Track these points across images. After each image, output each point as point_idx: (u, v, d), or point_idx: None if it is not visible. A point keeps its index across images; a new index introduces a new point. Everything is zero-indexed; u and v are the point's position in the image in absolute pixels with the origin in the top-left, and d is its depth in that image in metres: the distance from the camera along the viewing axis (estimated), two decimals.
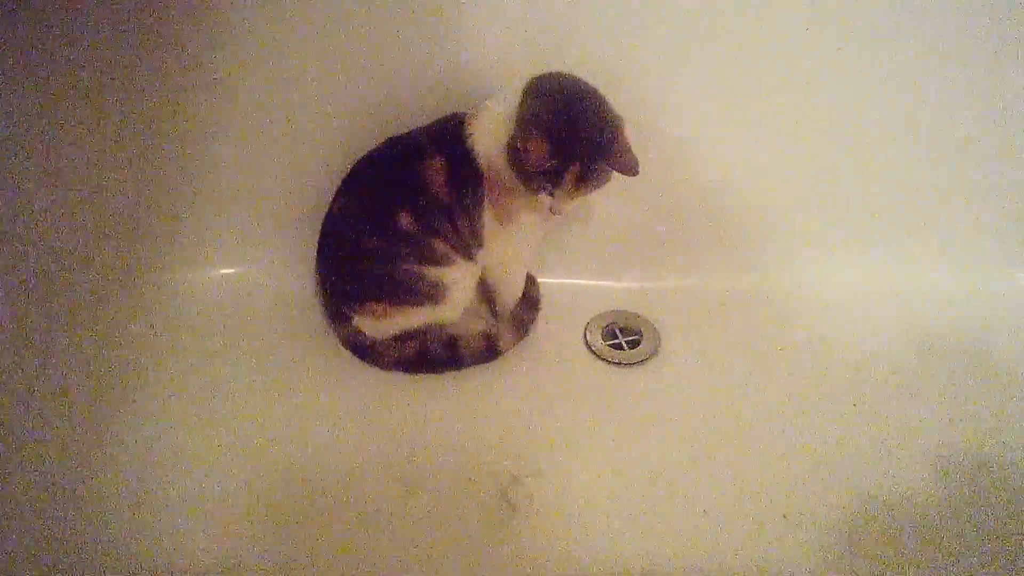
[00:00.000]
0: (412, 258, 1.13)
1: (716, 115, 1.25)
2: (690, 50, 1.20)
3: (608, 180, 1.08)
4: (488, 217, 1.14)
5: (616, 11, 1.16)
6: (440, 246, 1.14)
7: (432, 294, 1.16)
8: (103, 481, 1.04)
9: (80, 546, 0.97)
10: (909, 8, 1.18)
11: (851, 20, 1.18)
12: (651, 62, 1.20)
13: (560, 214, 1.10)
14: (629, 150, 1.04)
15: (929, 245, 1.36)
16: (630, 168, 1.04)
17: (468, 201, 1.12)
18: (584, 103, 1.05)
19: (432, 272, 1.14)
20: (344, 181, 1.17)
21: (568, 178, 1.04)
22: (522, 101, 1.05)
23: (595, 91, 1.06)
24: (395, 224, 1.12)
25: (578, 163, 1.03)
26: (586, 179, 1.05)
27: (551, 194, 1.06)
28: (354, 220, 1.15)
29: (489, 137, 1.09)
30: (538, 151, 1.01)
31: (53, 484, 1.01)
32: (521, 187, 1.07)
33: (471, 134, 1.10)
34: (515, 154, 1.04)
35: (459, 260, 1.16)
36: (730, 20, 1.18)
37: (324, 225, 1.19)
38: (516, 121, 1.04)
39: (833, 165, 1.30)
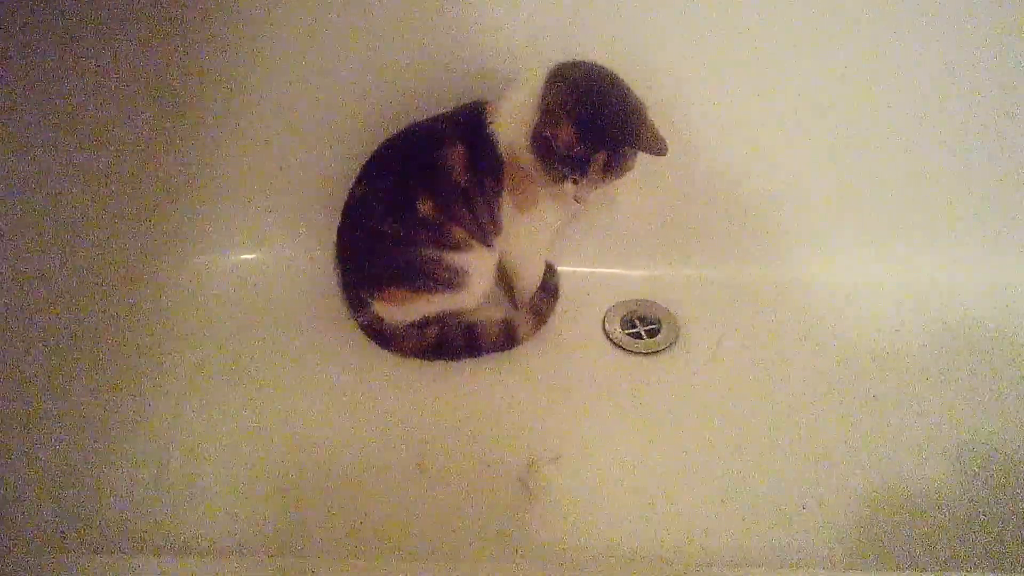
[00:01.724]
0: (431, 244, 1.13)
1: (737, 105, 1.25)
2: (711, 42, 1.20)
3: (632, 168, 1.08)
4: (508, 205, 1.14)
5: (637, 1, 1.15)
6: (458, 232, 1.14)
7: (451, 280, 1.16)
8: (124, 462, 1.06)
9: (101, 523, 0.99)
10: (924, 5, 1.17)
11: (869, 16, 1.17)
12: (671, 53, 1.20)
13: (584, 203, 1.09)
14: (655, 131, 1.05)
15: (952, 235, 1.34)
16: (659, 149, 1.04)
17: (488, 188, 1.12)
18: (609, 89, 1.05)
19: (451, 258, 1.14)
20: (365, 166, 1.17)
21: (595, 165, 1.04)
22: (546, 89, 1.04)
23: (618, 77, 1.06)
24: (415, 210, 1.12)
25: (605, 150, 1.03)
26: (612, 166, 1.05)
27: (576, 182, 1.06)
28: (374, 205, 1.15)
29: (511, 125, 1.09)
30: (566, 137, 1.01)
31: (75, 463, 1.03)
32: (543, 175, 1.07)
33: (492, 122, 1.10)
34: (540, 142, 1.04)
35: (477, 246, 1.16)
36: (751, 12, 1.17)
37: (344, 210, 1.19)
38: (540, 109, 1.04)
39: (854, 156, 1.29)
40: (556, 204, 1.14)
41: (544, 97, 1.04)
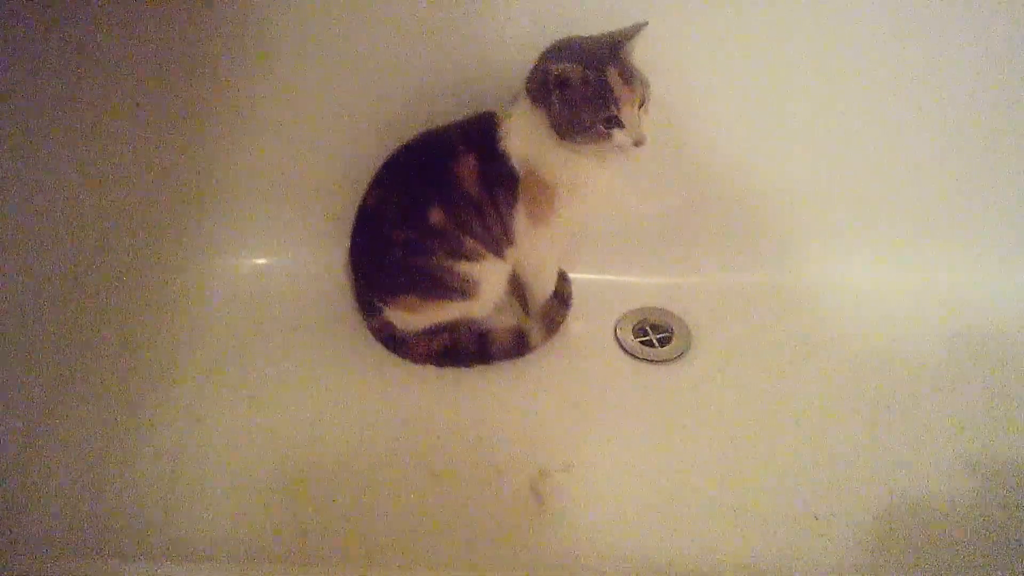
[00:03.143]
0: (442, 253, 1.13)
1: (746, 112, 1.25)
2: (720, 50, 1.20)
3: (648, 84, 1.04)
4: (521, 216, 1.14)
5: (644, 9, 1.15)
6: (470, 243, 1.14)
7: (462, 289, 1.16)
8: (137, 466, 1.06)
9: (115, 528, 0.99)
10: (930, 9, 1.17)
11: (877, 20, 1.17)
12: (681, 60, 1.19)
13: (644, 142, 1.02)
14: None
15: (966, 242, 1.34)
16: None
17: (500, 201, 1.12)
18: (571, 38, 1.06)
19: (462, 267, 1.14)
20: (378, 174, 1.18)
21: (615, 80, 1.00)
22: (535, 66, 1.05)
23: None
24: (427, 219, 1.12)
25: (612, 64, 1.00)
26: (630, 78, 1.01)
27: (616, 122, 1.01)
28: (387, 213, 1.15)
29: (522, 137, 1.09)
30: (574, 71, 0.99)
31: (90, 467, 1.03)
32: (584, 140, 1.04)
33: (503, 136, 1.10)
34: (561, 113, 1.02)
35: (489, 257, 1.16)
36: (757, 19, 1.18)
37: (357, 217, 1.20)
38: (535, 81, 1.04)
39: (868, 159, 1.28)
40: (571, 214, 1.13)
41: (536, 73, 1.04)
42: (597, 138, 1.02)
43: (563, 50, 1.04)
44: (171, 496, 1.03)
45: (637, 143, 1.02)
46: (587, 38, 1.04)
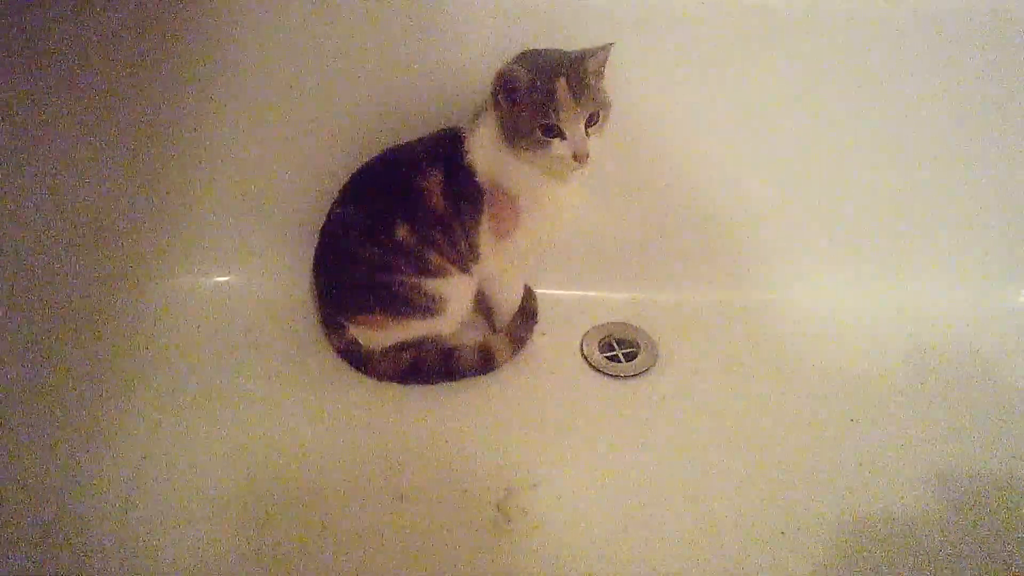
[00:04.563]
0: (408, 270, 1.13)
1: (715, 129, 1.26)
2: (689, 65, 1.21)
3: (608, 105, 1.04)
4: (486, 231, 1.13)
5: (616, 25, 1.16)
6: (436, 259, 1.13)
7: (428, 306, 1.15)
8: (94, 486, 1.04)
9: (71, 548, 0.97)
10: (907, 27, 1.19)
11: (849, 37, 1.19)
12: (649, 77, 1.20)
13: (585, 159, 1.01)
14: (601, 69, 1.03)
15: (927, 262, 1.36)
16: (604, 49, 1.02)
17: (465, 215, 1.12)
18: (538, 50, 1.05)
19: (428, 284, 1.14)
20: (343, 190, 1.17)
21: (561, 90, 0.99)
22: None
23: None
24: (393, 235, 1.11)
25: (562, 76, 1.00)
26: (580, 94, 1.00)
27: (557, 132, 1.00)
28: (352, 229, 1.14)
29: (486, 150, 1.08)
30: (522, 75, 0.99)
31: (45, 487, 1.01)
32: (526, 148, 1.03)
33: (468, 150, 1.09)
34: (507, 116, 1.03)
35: (455, 272, 1.15)
36: (729, 34, 1.19)
37: (322, 233, 1.19)
38: (492, 84, 1.03)
39: (832, 181, 1.30)
40: (535, 229, 1.13)
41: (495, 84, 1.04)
42: (536, 146, 1.02)
43: (525, 57, 1.04)
44: (128, 517, 1.01)
45: (576, 157, 1.01)
46: (555, 51, 1.04)
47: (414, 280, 1.13)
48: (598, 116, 1.02)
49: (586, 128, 1.01)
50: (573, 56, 1.02)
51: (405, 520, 1.03)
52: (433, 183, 1.10)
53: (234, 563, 0.98)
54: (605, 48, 1.02)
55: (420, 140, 1.15)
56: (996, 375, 1.26)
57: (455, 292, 1.16)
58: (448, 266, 1.14)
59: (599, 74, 1.04)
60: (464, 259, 1.15)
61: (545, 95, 0.99)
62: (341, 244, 1.16)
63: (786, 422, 1.17)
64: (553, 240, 1.20)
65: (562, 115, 1.00)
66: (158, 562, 0.98)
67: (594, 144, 1.02)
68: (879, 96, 1.23)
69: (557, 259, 1.33)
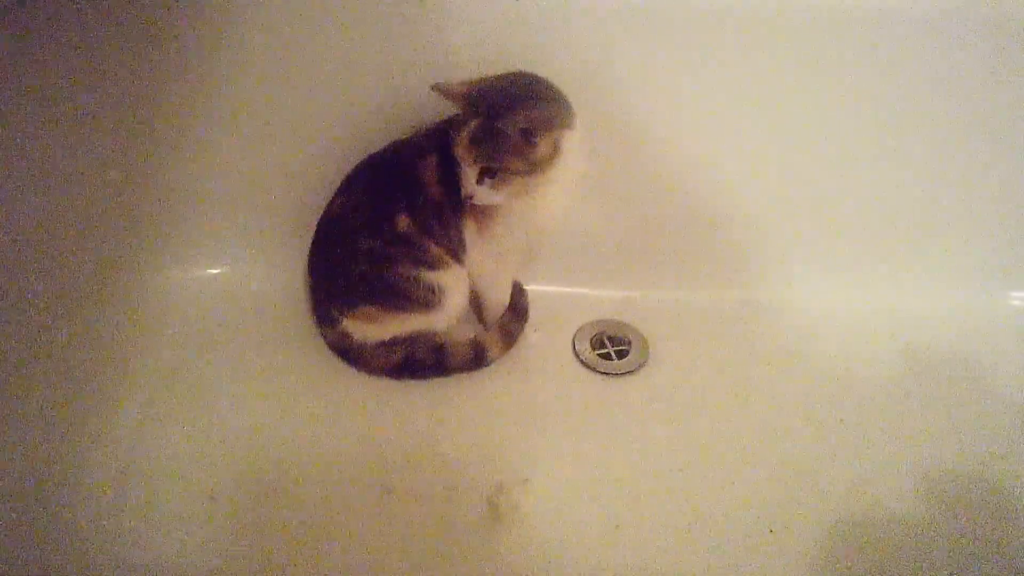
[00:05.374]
0: (407, 261, 1.13)
1: (709, 126, 1.26)
2: (684, 63, 1.20)
3: (522, 187, 1.03)
4: (470, 224, 1.13)
5: (611, 22, 1.16)
6: (434, 249, 1.13)
7: (427, 299, 1.15)
8: (82, 481, 1.03)
9: (57, 545, 0.96)
10: (906, 31, 1.19)
11: (849, 41, 1.19)
12: (644, 74, 1.20)
13: (467, 198, 1.04)
14: (534, 123, 0.99)
15: (919, 263, 1.37)
16: (520, 137, 0.99)
17: (455, 202, 1.11)
18: (524, 78, 1.04)
19: (428, 276, 1.14)
20: (344, 181, 1.17)
21: (464, 131, 1.00)
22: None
23: (547, 81, 1.05)
24: (394, 226, 1.11)
25: (478, 117, 0.99)
26: (480, 142, 0.99)
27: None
28: (352, 220, 1.14)
29: None
30: (455, 95, 1.00)
31: (32, 482, 1.00)
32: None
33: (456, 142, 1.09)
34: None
35: (452, 264, 1.15)
36: (724, 31, 1.18)
37: (319, 225, 1.18)
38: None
39: (825, 182, 1.30)
40: (514, 226, 1.13)
41: None
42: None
43: (500, 79, 1.03)
44: (116, 512, 1.01)
45: (464, 194, 1.04)
46: (532, 87, 1.03)
47: (413, 272, 1.13)
48: (495, 175, 1.01)
49: (482, 177, 1.01)
50: (516, 104, 0.99)
51: (395, 514, 1.03)
52: (430, 168, 1.11)
53: (223, 554, 0.98)
54: (563, 118, 1.02)
55: (423, 130, 1.15)
56: (988, 377, 1.26)
57: (453, 284, 1.16)
58: (446, 257, 1.14)
59: (535, 139, 1.00)
60: (457, 249, 1.15)
61: (461, 124, 1.01)
62: (340, 235, 1.15)
63: (776, 421, 1.18)
64: (538, 241, 1.20)
65: (459, 151, 1.01)
66: (147, 553, 0.97)
67: (494, 195, 1.03)
68: (874, 98, 1.23)
69: (549, 256, 1.33)
